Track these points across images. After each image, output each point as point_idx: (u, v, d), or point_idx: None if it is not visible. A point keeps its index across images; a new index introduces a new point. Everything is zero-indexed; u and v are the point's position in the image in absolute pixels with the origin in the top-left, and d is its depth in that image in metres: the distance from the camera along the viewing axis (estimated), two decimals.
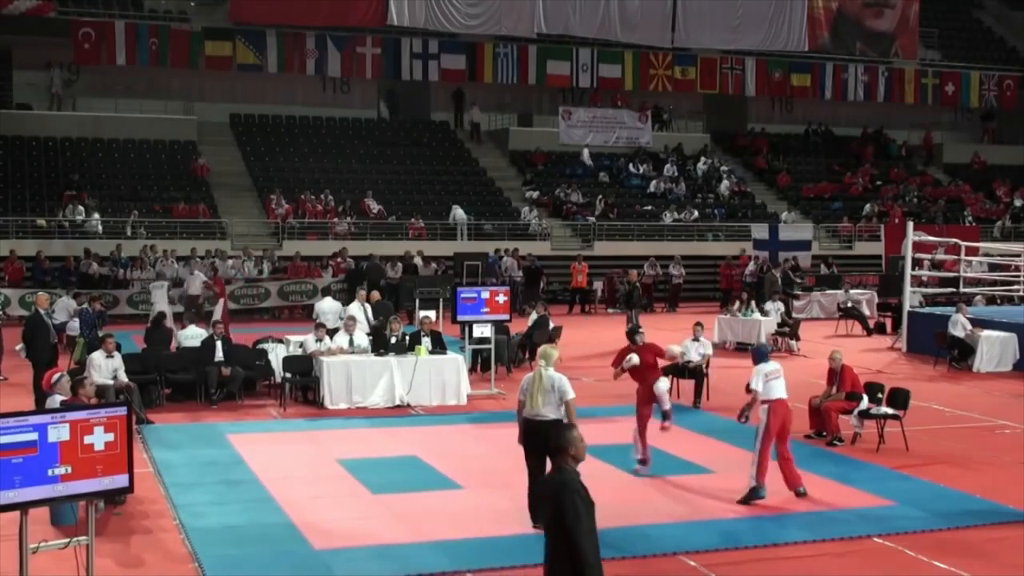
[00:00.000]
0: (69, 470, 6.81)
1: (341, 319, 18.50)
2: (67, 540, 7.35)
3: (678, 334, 18.84)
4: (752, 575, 9.16)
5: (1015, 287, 26.61)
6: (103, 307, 20.80)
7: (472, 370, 18.20)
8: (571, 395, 9.68)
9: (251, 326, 23.90)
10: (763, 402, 11.24)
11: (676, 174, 39.65)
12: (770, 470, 11.17)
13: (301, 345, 17.22)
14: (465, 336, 18.45)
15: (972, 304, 24.40)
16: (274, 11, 33.90)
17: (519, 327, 20.94)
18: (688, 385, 16.88)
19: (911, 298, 23.45)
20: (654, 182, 38.96)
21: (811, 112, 45.16)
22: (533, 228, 34.80)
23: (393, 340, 16.74)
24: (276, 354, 17.35)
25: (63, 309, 21.28)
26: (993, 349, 20.71)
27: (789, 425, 11.40)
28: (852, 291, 29.95)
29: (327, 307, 20.24)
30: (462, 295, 17.29)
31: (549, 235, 34.85)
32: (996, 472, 12.61)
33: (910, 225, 24.68)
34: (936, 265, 28.47)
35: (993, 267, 29.84)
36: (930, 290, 26.66)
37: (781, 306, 24.59)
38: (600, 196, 37.00)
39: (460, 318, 17.43)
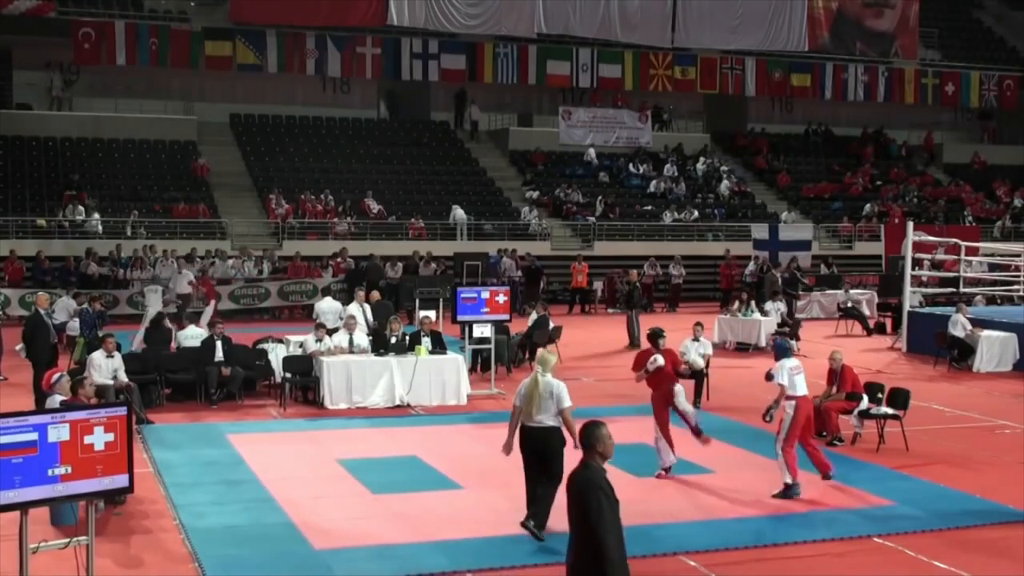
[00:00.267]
0: (69, 470, 6.81)
1: (341, 319, 18.51)
2: (67, 540, 7.35)
3: (678, 334, 18.82)
4: (752, 575, 9.16)
5: (1015, 287, 26.61)
6: (103, 307, 20.79)
7: (472, 370, 18.20)
8: (568, 403, 9.58)
9: (251, 326, 23.91)
10: (788, 398, 11.29)
11: (676, 174, 39.66)
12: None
13: (301, 345, 17.21)
14: (465, 336, 18.45)
15: (972, 304, 24.40)
16: (274, 11, 33.90)
17: (519, 327, 20.95)
18: (688, 385, 16.76)
19: (911, 298, 23.45)
20: (654, 182, 38.96)
21: (811, 112, 45.17)
22: (533, 228, 34.80)
23: (393, 340, 16.75)
24: (276, 354, 17.35)
25: (63, 309, 21.26)
26: (993, 349, 20.72)
27: (812, 421, 11.48)
28: (852, 291, 29.95)
29: (327, 307, 20.22)
30: (462, 295, 17.29)
31: (549, 235, 34.85)
32: (996, 472, 12.61)
33: (910, 225, 24.69)
34: (936, 265, 28.48)
35: (993, 267, 29.83)
36: (930, 290, 26.67)
37: (781, 306, 24.58)
38: (600, 196, 37.00)
39: (460, 318, 17.43)
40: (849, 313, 27.03)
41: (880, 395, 14.00)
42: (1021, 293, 26.15)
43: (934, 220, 36.98)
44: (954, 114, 46.48)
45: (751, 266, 31.80)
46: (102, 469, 6.94)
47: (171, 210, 32.21)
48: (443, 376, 16.53)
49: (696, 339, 17.13)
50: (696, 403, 16.42)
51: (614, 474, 12.01)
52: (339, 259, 29.49)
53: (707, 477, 12.09)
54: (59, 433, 6.76)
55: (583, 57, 38.15)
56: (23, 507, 6.76)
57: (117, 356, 15.04)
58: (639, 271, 28.37)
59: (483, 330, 17.63)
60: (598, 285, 31.91)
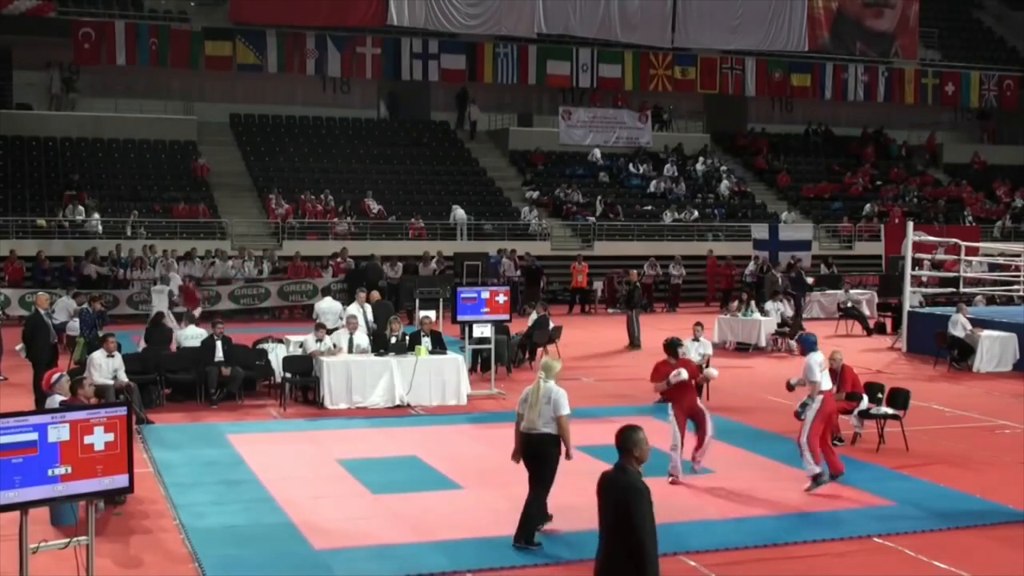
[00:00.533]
0: (69, 470, 6.81)
1: (341, 319, 18.51)
2: (67, 540, 7.35)
3: (678, 334, 18.82)
4: (752, 575, 9.16)
5: (1015, 287, 26.62)
6: (103, 307, 20.79)
7: (472, 370, 18.20)
8: (564, 411, 9.44)
9: (251, 326, 23.92)
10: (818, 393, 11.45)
11: (676, 174, 39.66)
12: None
13: (301, 345, 17.21)
14: (465, 336, 18.45)
15: (972, 304, 24.39)
16: (274, 11, 33.90)
17: (519, 327, 20.95)
18: None
19: (911, 298, 23.45)
20: (654, 182, 38.96)
21: (811, 112, 45.16)
22: (533, 228, 34.81)
23: (393, 340, 16.75)
24: (276, 354, 17.35)
25: (63, 309, 21.27)
26: (993, 349, 20.72)
27: (836, 418, 11.53)
28: (852, 291, 29.93)
29: (327, 307, 20.23)
30: (462, 295, 17.29)
31: (549, 235, 34.86)
32: (996, 472, 12.61)
33: (910, 225, 24.68)
34: (936, 265, 28.47)
35: (993, 267, 29.83)
36: (930, 290, 26.66)
37: (780, 306, 24.55)
38: (600, 196, 37.01)
39: (460, 318, 17.43)
40: (849, 313, 27.02)
41: (880, 395, 13.99)
42: (1021, 293, 26.15)
43: (934, 220, 36.98)
44: (954, 114, 46.47)
45: (751, 266, 31.80)
46: (102, 469, 6.93)
47: (171, 210, 32.21)
48: (443, 376, 16.53)
49: (696, 339, 17.15)
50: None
51: None
52: (339, 259, 29.50)
53: (707, 477, 12.08)
54: (59, 433, 6.76)
55: (583, 57, 38.15)
56: (23, 507, 6.75)
57: (117, 356, 15.04)
58: (639, 271, 28.36)
59: (483, 330, 17.63)
60: (598, 285, 31.92)
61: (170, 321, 19.39)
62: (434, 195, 36.21)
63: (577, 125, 38.71)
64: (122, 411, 7.09)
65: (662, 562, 9.29)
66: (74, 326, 20.04)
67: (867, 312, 28.03)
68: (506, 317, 17.76)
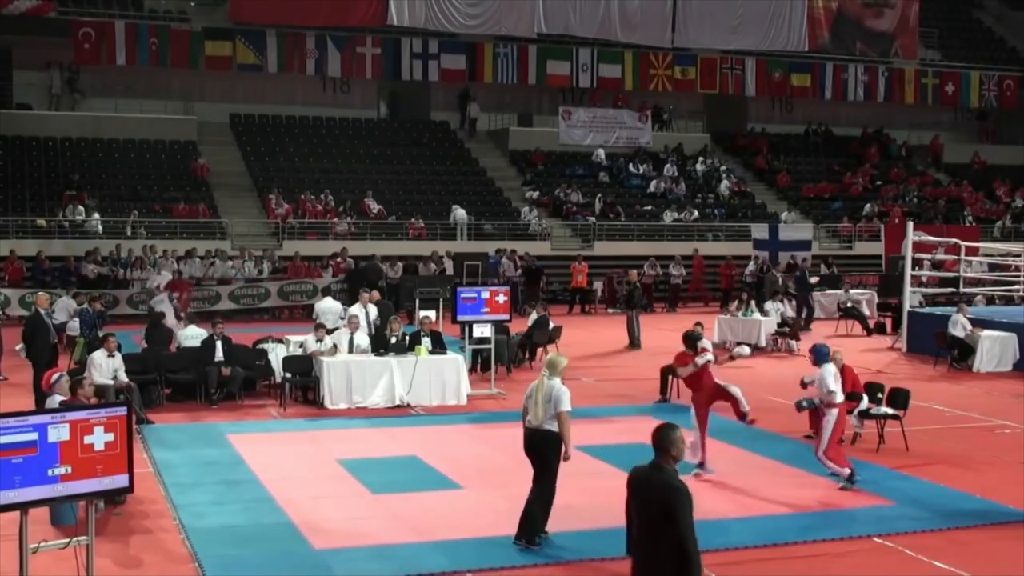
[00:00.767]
0: (69, 470, 6.80)
1: (341, 319, 18.50)
2: (67, 540, 7.34)
3: (678, 334, 18.82)
4: (752, 575, 9.16)
5: (1015, 287, 26.61)
6: (103, 307, 20.79)
7: (472, 370, 18.19)
8: (565, 407, 9.40)
9: (251, 326, 23.91)
10: (830, 405, 11.57)
11: (676, 174, 39.66)
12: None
13: (301, 345, 17.21)
14: (465, 336, 18.45)
15: (972, 304, 24.39)
16: (274, 11, 33.91)
17: (519, 327, 20.95)
18: None
19: (911, 298, 23.44)
20: (654, 182, 38.97)
21: (811, 112, 45.16)
22: (533, 228, 34.81)
23: (393, 340, 16.75)
24: (276, 354, 17.34)
25: (63, 309, 21.26)
26: (993, 349, 20.71)
27: (843, 422, 11.78)
28: (852, 291, 29.92)
29: (327, 307, 20.22)
30: (462, 295, 17.28)
31: (549, 235, 34.86)
32: (996, 472, 12.61)
33: (910, 225, 24.66)
34: (936, 265, 28.46)
35: (993, 267, 29.83)
36: (930, 290, 26.65)
37: (780, 306, 24.53)
38: (600, 196, 37.01)
39: (460, 318, 17.42)
40: (849, 313, 27.02)
41: (880, 395, 13.99)
42: (1021, 293, 26.15)
43: (934, 220, 36.98)
44: (954, 114, 46.47)
45: (751, 266, 31.79)
46: (102, 469, 6.93)
47: (171, 210, 32.21)
48: (443, 376, 16.52)
49: None
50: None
51: (613, 474, 12.04)
52: (339, 259, 29.51)
53: (707, 477, 12.08)
54: (59, 433, 6.75)
55: (583, 57, 38.16)
56: (23, 507, 6.75)
57: (118, 356, 15.04)
58: (639, 271, 28.36)
59: (483, 330, 17.62)
60: (598, 285, 31.92)
61: (170, 321, 19.38)
62: (434, 195, 36.22)
63: (577, 125, 38.73)
64: (122, 411, 7.08)
65: None
66: (74, 326, 20.03)
67: (867, 312, 28.02)
68: (506, 317, 17.74)
